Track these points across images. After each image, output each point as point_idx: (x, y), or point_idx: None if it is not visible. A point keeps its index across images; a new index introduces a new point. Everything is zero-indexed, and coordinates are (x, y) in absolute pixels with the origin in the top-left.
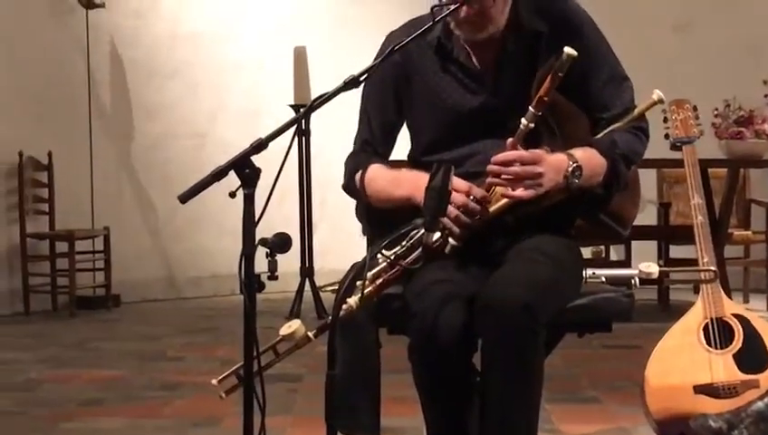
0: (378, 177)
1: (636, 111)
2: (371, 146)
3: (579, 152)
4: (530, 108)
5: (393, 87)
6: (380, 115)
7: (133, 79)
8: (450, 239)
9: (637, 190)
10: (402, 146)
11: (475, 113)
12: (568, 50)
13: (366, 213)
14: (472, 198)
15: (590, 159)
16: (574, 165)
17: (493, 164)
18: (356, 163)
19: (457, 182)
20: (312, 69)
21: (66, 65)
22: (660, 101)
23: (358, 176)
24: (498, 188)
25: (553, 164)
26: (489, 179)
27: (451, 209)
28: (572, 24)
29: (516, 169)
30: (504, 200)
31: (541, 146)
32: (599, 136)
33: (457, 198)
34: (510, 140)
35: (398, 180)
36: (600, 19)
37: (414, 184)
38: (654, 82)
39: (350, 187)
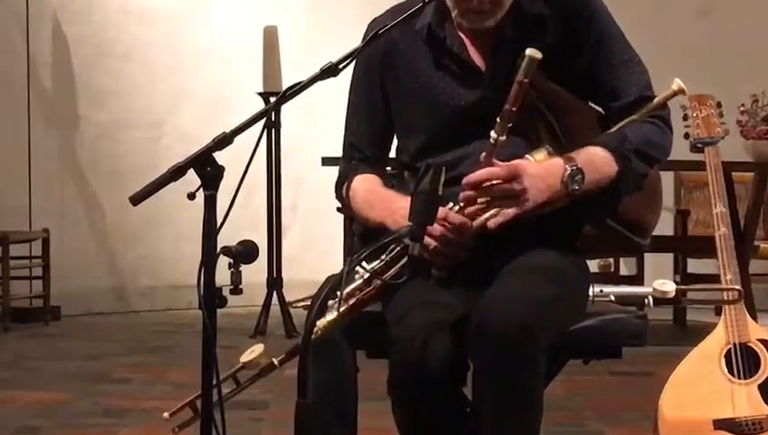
0: (356, 193)
1: (654, 102)
2: (359, 151)
3: (580, 154)
4: (497, 119)
5: (380, 82)
6: (368, 115)
7: (79, 60)
8: (433, 270)
9: (656, 194)
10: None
11: (472, 110)
12: (530, 51)
13: (361, 231)
14: (450, 225)
15: (593, 159)
16: (572, 168)
17: (464, 186)
18: (342, 172)
19: None
20: (285, 53)
21: (2, 43)
22: (681, 92)
23: (345, 187)
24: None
25: (540, 173)
26: (467, 209)
27: (428, 241)
28: (578, 6)
29: (489, 189)
30: (488, 214)
31: (542, 146)
32: (609, 132)
33: (434, 228)
34: (482, 154)
35: (371, 202)
36: (613, 2)
37: (386, 207)
38: (673, 75)
39: (338, 196)
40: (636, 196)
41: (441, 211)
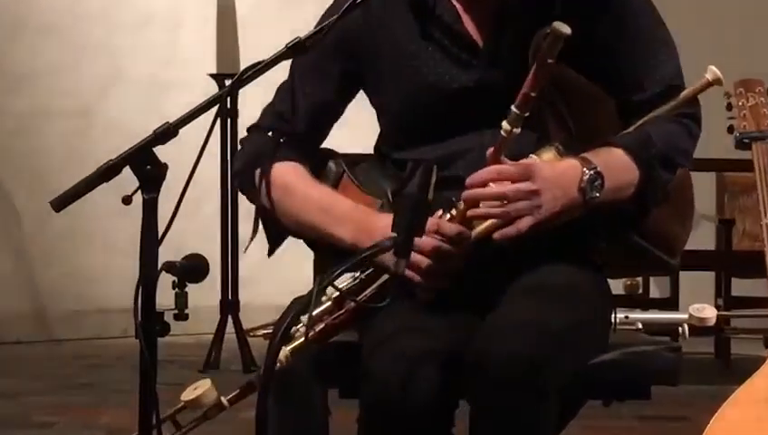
0: (297, 189)
1: (682, 96)
2: (287, 122)
3: (598, 155)
4: (512, 108)
5: (342, 55)
6: (315, 86)
7: None
8: (420, 293)
9: (686, 203)
10: (365, 135)
11: (467, 94)
12: (557, 26)
13: (263, 220)
14: (444, 236)
15: (613, 163)
16: (591, 172)
17: (468, 187)
18: (257, 148)
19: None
20: (244, 26)
21: None
22: (718, 82)
23: (258, 172)
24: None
25: (556, 176)
26: (469, 212)
27: (418, 258)
28: None
29: (499, 189)
30: (491, 222)
31: (549, 144)
32: (628, 130)
33: (423, 243)
34: (489, 150)
35: (334, 213)
36: None
37: (365, 228)
38: (712, 55)
39: (242, 181)
40: (663, 206)
41: (431, 221)
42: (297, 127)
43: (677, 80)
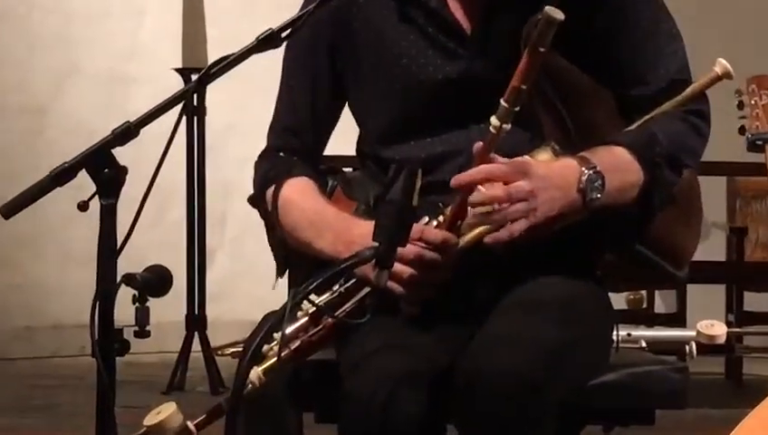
0: (295, 205)
1: (688, 91)
2: (296, 136)
3: (598, 154)
4: (501, 101)
5: (329, 48)
6: (310, 89)
7: None
8: (404, 306)
9: (694, 209)
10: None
11: (453, 87)
12: (549, 10)
13: (283, 248)
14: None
15: (615, 162)
16: (591, 172)
17: (454, 187)
18: (269, 168)
19: None
20: (212, 17)
21: None
22: (727, 76)
23: (270, 191)
24: (471, 222)
25: (550, 174)
26: (453, 211)
27: (400, 268)
28: None
29: (491, 192)
30: (485, 228)
31: (545, 143)
32: (630, 128)
33: (406, 251)
34: (477, 145)
35: (318, 224)
36: None
37: (342, 237)
38: (727, 49)
39: (259, 204)
40: (668, 212)
41: (415, 228)
42: (306, 138)
43: (683, 74)
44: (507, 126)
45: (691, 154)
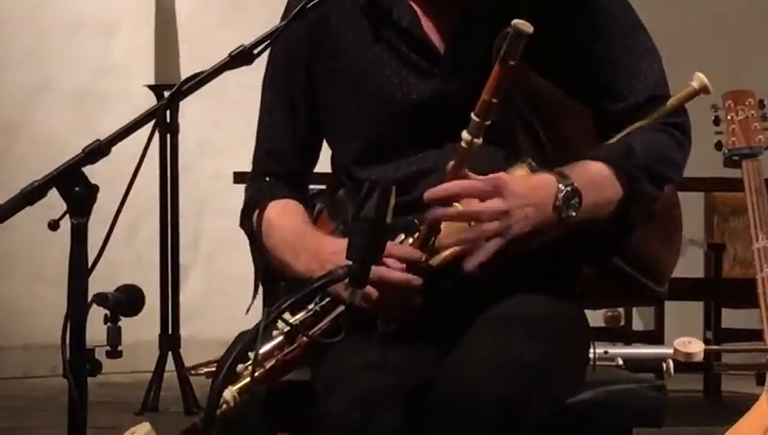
0: (273, 227)
1: (666, 105)
2: (279, 160)
3: (575, 169)
4: (471, 115)
5: (304, 70)
6: (290, 112)
7: None
8: (378, 324)
9: (674, 225)
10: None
11: (427, 106)
12: (518, 23)
13: (265, 271)
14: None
15: (592, 177)
16: (567, 189)
17: (426, 201)
18: (254, 193)
19: None
20: (185, 33)
21: None
22: (705, 91)
23: (255, 215)
24: (443, 239)
25: (526, 191)
26: (425, 228)
27: (370, 288)
28: None
29: (465, 210)
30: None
31: (521, 159)
32: (608, 142)
33: (379, 269)
34: (450, 163)
35: (294, 244)
36: None
37: (315, 256)
38: (699, 62)
39: (246, 229)
40: (649, 228)
41: (387, 246)
42: (289, 162)
43: (661, 88)
44: (479, 140)
45: (672, 166)
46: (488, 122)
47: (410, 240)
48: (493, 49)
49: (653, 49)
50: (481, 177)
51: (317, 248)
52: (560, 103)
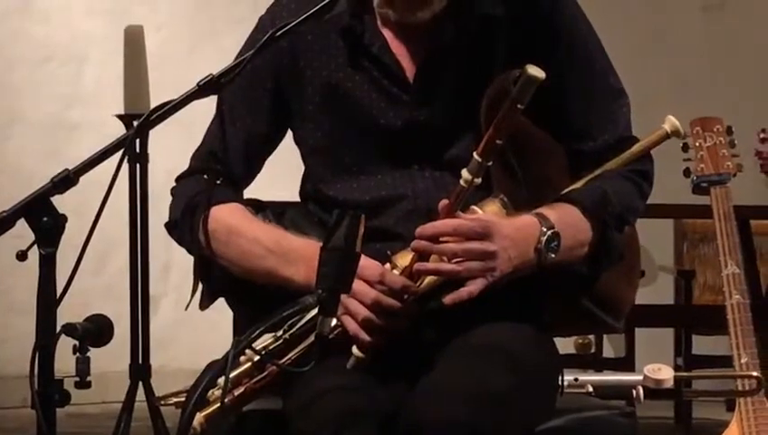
0: (243, 234)
1: (635, 148)
2: (221, 162)
3: (555, 212)
4: (474, 155)
5: (272, 83)
6: (246, 119)
7: None
8: (354, 350)
9: (633, 262)
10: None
11: (398, 132)
12: (532, 70)
13: (207, 269)
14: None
15: (569, 221)
16: (549, 232)
17: (419, 239)
18: (194, 193)
19: (366, 266)
20: (155, 62)
21: None
22: (676, 134)
23: (198, 216)
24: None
25: (513, 233)
26: (416, 265)
27: (357, 309)
28: (544, 8)
29: (453, 247)
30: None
31: (494, 195)
32: (578, 185)
33: (364, 292)
34: (443, 202)
35: (284, 252)
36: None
37: (311, 262)
38: (671, 91)
39: (179, 230)
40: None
41: (375, 270)
42: (232, 166)
43: (630, 130)
44: (478, 180)
45: (634, 213)
46: (490, 163)
47: (397, 271)
48: (491, 89)
49: (622, 90)
50: (471, 217)
51: (314, 257)
52: (539, 142)
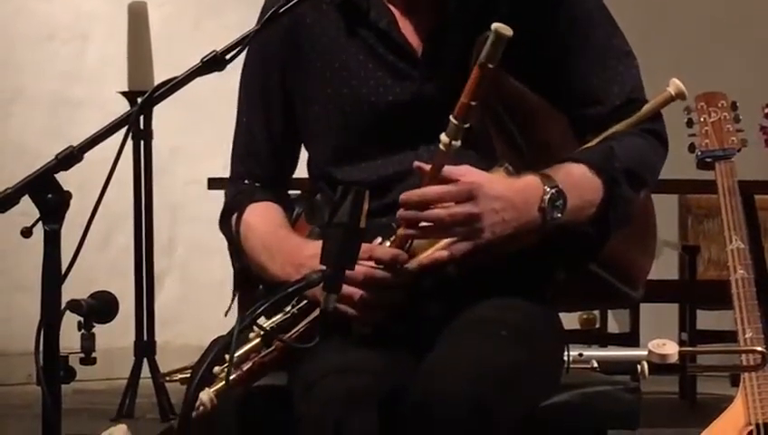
0: (251, 230)
1: (642, 111)
2: (257, 162)
3: (558, 171)
4: (450, 117)
5: (279, 73)
6: (265, 115)
7: None
8: (355, 327)
9: (649, 230)
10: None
11: (404, 109)
12: (498, 27)
13: (244, 274)
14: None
15: (575, 179)
16: (553, 190)
17: (402, 206)
18: (233, 195)
19: None
20: (159, 39)
21: None
22: (681, 96)
23: (234, 218)
24: (422, 243)
25: (509, 194)
26: (402, 231)
27: (350, 290)
28: None
29: (438, 212)
30: (437, 248)
31: (497, 164)
32: (587, 146)
33: (356, 270)
34: (424, 166)
35: (270, 247)
36: None
37: (291, 259)
38: (676, 66)
39: (225, 231)
40: (624, 232)
41: (364, 247)
42: (267, 165)
43: (638, 92)
44: (457, 142)
45: (649, 169)
46: (467, 125)
47: (387, 243)
48: (472, 52)
49: (629, 52)
50: (458, 179)
51: (293, 251)
52: (537, 108)
